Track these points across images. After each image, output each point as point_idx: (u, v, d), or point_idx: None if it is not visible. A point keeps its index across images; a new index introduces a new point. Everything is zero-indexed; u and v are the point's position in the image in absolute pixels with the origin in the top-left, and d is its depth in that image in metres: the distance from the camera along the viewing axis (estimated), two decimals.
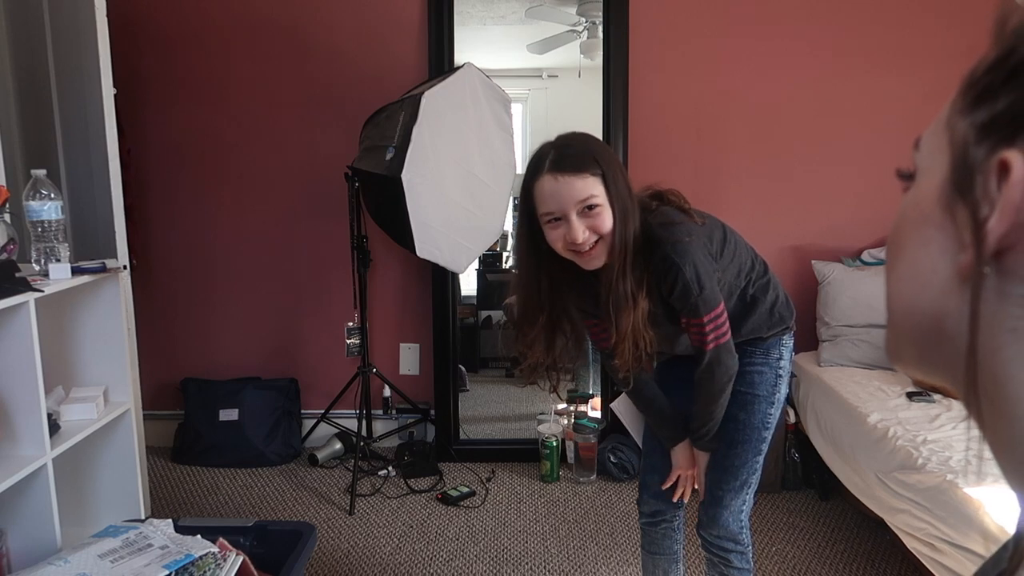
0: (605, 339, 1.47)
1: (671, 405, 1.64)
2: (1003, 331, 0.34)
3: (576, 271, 1.40)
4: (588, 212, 1.31)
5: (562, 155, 1.32)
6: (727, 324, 1.44)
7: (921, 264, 0.39)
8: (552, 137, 1.38)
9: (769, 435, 1.59)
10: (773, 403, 1.58)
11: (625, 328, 1.37)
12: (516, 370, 1.56)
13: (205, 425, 3.02)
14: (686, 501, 1.71)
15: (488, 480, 2.90)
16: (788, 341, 1.61)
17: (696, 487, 1.67)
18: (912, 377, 0.44)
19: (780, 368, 1.59)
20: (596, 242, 1.33)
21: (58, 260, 1.75)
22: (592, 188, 1.31)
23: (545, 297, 1.43)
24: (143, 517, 2.02)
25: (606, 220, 1.32)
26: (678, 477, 1.66)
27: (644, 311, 1.38)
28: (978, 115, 0.36)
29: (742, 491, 1.59)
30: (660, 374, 1.66)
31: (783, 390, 1.60)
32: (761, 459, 1.59)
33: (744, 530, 1.63)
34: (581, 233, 1.31)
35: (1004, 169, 0.33)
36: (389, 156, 2.45)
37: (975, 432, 0.38)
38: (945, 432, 2.12)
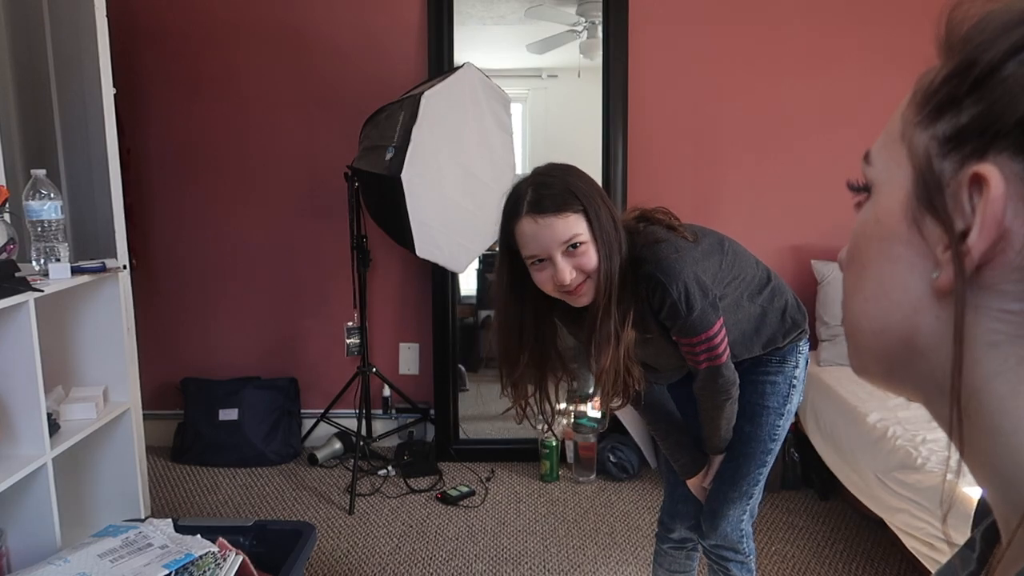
0: None
1: (685, 429, 1.59)
2: (981, 345, 0.34)
3: (564, 304, 1.36)
4: (572, 251, 1.26)
5: (540, 195, 1.26)
6: (724, 344, 1.39)
7: (890, 282, 0.38)
8: (529, 172, 1.32)
9: (776, 447, 1.54)
10: (783, 415, 1.53)
11: (604, 365, 1.32)
12: (504, 412, 1.52)
13: (205, 425, 3.02)
14: None
15: (488, 480, 2.90)
16: (804, 347, 1.56)
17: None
18: (878, 388, 0.44)
19: (795, 378, 1.54)
20: (584, 280, 1.28)
21: (58, 260, 1.75)
22: (574, 227, 1.25)
23: (528, 335, 1.38)
24: (143, 517, 2.02)
25: (592, 257, 1.27)
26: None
27: (629, 346, 1.33)
28: (940, 127, 0.35)
29: (742, 502, 1.55)
30: (671, 395, 1.63)
31: (795, 400, 1.55)
32: (766, 471, 1.55)
33: (744, 539, 1.59)
34: (568, 274, 1.26)
35: (978, 183, 0.33)
36: (389, 156, 2.45)
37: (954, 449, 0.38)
38: (944, 433, 2.12)
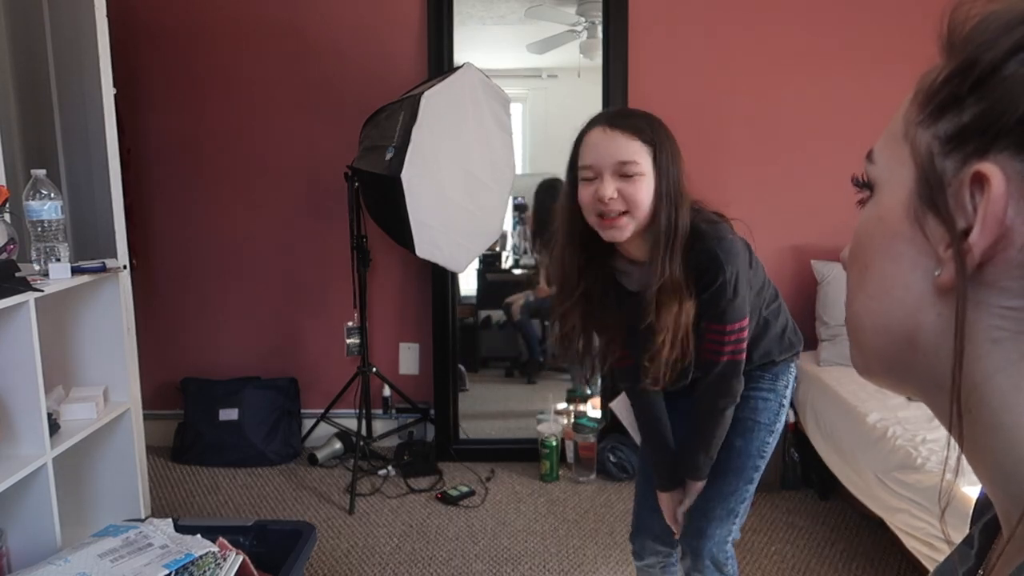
0: (626, 356, 1.41)
1: (672, 441, 1.56)
2: (984, 342, 0.35)
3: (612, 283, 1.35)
4: (625, 177, 1.25)
5: (620, 113, 1.30)
6: (745, 342, 1.38)
7: (892, 280, 0.38)
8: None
9: (763, 464, 1.52)
10: (772, 432, 1.52)
11: (668, 316, 1.28)
12: (546, 345, 1.52)
13: (205, 425, 3.02)
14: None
15: (488, 480, 2.90)
16: (794, 369, 1.57)
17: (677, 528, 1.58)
18: (880, 386, 0.44)
19: (784, 397, 1.54)
20: (624, 213, 1.26)
21: (58, 260, 1.75)
22: (637, 154, 1.25)
23: (582, 275, 1.37)
24: (143, 516, 2.02)
25: (641, 191, 1.25)
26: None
27: (690, 314, 1.30)
28: (942, 126, 0.35)
29: (728, 520, 1.51)
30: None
31: (783, 420, 1.54)
32: (752, 488, 1.52)
33: (730, 561, 1.55)
34: (611, 191, 1.24)
35: (979, 182, 0.33)
36: (389, 156, 2.45)
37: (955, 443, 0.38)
38: (944, 432, 2.11)
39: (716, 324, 1.35)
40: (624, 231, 1.28)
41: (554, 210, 1.41)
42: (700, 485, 1.51)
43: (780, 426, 1.54)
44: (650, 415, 1.55)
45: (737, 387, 1.42)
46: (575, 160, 1.32)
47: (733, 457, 1.50)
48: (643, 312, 1.31)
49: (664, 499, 1.57)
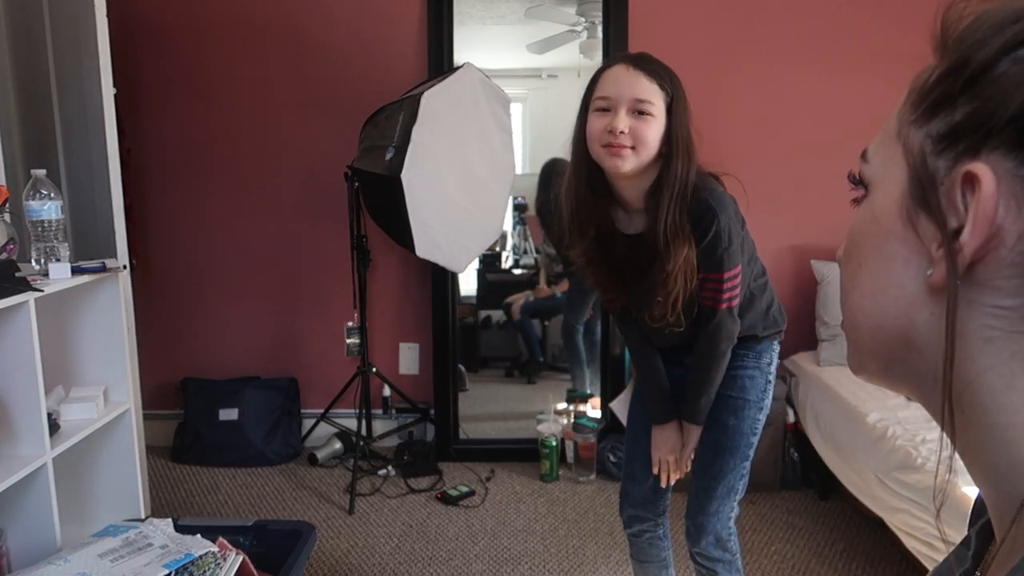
0: (615, 299, 1.49)
1: (668, 385, 1.62)
2: (976, 341, 0.35)
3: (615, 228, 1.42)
4: (639, 115, 1.32)
5: (643, 57, 1.36)
6: (740, 288, 1.44)
7: (885, 279, 0.39)
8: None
9: (756, 440, 1.57)
10: (762, 408, 1.57)
11: (679, 258, 1.34)
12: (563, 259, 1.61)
13: (205, 425, 3.02)
14: (672, 484, 1.64)
15: (488, 480, 2.91)
16: (777, 347, 1.62)
17: (681, 473, 1.62)
18: (875, 385, 0.44)
19: (770, 373, 1.59)
20: (631, 146, 1.32)
21: (58, 260, 1.75)
22: (654, 95, 1.32)
23: (592, 212, 1.43)
24: (143, 516, 2.02)
25: (651, 131, 1.32)
26: (661, 465, 1.63)
27: (692, 258, 1.36)
28: (934, 126, 0.36)
29: (729, 497, 1.58)
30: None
31: (770, 396, 1.60)
32: (748, 465, 1.58)
33: (732, 537, 1.62)
34: (624, 124, 1.31)
35: (970, 181, 0.33)
36: (389, 156, 2.45)
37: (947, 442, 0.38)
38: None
39: (714, 273, 1.41)
40: (626, 162, 1.33)
41: (557, 186, 1.49)
42: (699, 431, 1.56)
43: (768, 402, 1.59)
44: (645, 355, 1.61)
45: (734, 329, 1.47)
46: (591, 92, 1.38)
47: (728, 436, 1.56)
48: (650, 252, 1.38)
49: (658, 435, 1.61)
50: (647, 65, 1.33)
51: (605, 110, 1.33)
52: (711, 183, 1.40)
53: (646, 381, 1.63)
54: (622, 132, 1.31)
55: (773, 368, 1.60)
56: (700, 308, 1.45)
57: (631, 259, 1.44)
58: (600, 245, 1.46)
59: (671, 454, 1.60)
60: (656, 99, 1.32)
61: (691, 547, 1.63)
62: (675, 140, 1.33)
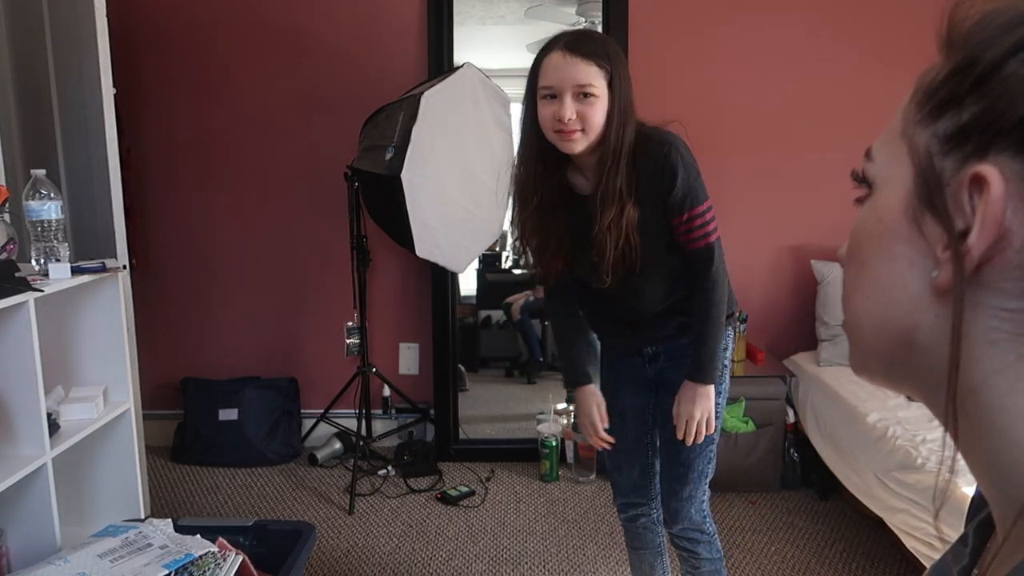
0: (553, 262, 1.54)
1: (584, 342, 1.66)
2: (981, 343, 0.34)
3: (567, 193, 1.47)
4: (583, 99, 1.36)
5: (578, 38, 1.38)
6: (715, 222, 1.48)
7: (889, 279, 0.38)
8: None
9: (720, 423, 1.61)
10: (721, 392, 1.61)
11: (608, 220, 1.39)
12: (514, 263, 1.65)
13: (205, 425, 3.02)
14: (665, 467, 1.66)
15: (487, 480, 2.90)
16: (731, 332, 1.65)
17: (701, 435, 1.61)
18: (877, 385, 0.44)
19: (726, 359, 1.62)
20: (580, 129, 1.38)
21: (58, 260, 1.75)
22: (594, 78, 1.36)
23: (539, 183, 1.48)
24: (143, 517, 2.02)
25: (597, 112, 1.37)
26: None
27: (632, 217, 1.41)
28: (941, 126, 0.35)
29: (700, 482, 1.62)
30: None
31: (727, 380, 1.64)
32: (715, 448, 1.62)
33: (707, 519, 1.67)
34: (569, 112, 1.36)
35: (978, 183, 0.33)
36: (389, 156, 2.45)
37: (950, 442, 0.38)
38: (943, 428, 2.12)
39: (697, 207, 1.44)
40: (578, 144, 1.39)
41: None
42: (711, 390, 1.53)
43: (727, 385, 1.64)
44: (566, 323, 1.68)
45: (722, 262, 1.51)
46: (534, 80, 1.41)
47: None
48: (590, 217, 1.44)
49: (581, 398, 1.65)
50: (583, 48, 1.36)
51: (552, 96, 1.38)
52: (659, 130, 1.46)
53: (563, 348, 1.69)
54: (570, 119, 1.36)
55: (729, 353, 1.63)
56: (691, 254, 1.48)
57: (572, 224, 1.50)
58: (542, 213, 1.50)
59: (592, 416, 1.64)
60: (597, 80, 1.36)
61: (670, 532, 1.69)
62: (615, 112, 1.38)
